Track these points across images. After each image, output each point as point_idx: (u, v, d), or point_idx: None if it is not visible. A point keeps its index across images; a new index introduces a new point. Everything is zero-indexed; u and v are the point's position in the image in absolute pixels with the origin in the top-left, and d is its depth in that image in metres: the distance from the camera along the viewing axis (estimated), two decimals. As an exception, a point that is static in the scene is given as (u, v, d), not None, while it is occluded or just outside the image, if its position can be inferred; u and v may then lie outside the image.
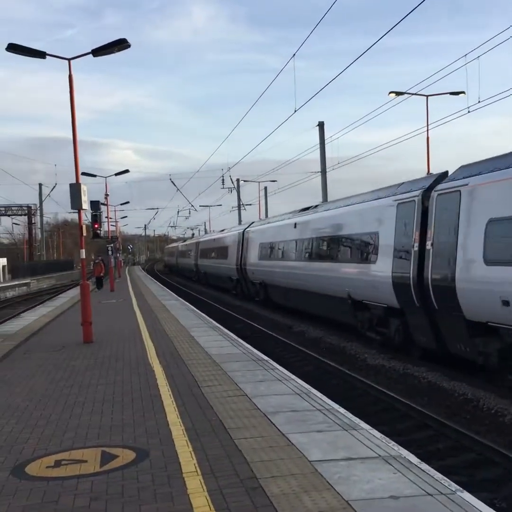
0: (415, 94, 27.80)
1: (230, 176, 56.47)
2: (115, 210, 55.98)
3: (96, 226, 30.00)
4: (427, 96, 29.16)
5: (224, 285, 40.13)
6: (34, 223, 76.03)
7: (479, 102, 23.03)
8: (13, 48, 14.13)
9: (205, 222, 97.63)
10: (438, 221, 12.86)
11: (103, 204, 40.17)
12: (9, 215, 76.04)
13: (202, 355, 12.21)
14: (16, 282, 53.34)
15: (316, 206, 23.13)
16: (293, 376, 9.83)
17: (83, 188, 15.00)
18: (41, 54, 14.56)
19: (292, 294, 24.06)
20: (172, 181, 60.12)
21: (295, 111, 26.01)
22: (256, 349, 12.88)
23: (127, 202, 53.83)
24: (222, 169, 56.27)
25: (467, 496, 4.86)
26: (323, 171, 32.73)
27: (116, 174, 38.30)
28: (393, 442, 6.32)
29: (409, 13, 14.03)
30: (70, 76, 14.82)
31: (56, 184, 68.90)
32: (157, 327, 17.36)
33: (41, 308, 28.00)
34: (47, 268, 70.09)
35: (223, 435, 6.67)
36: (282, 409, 7.66)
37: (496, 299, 10.80)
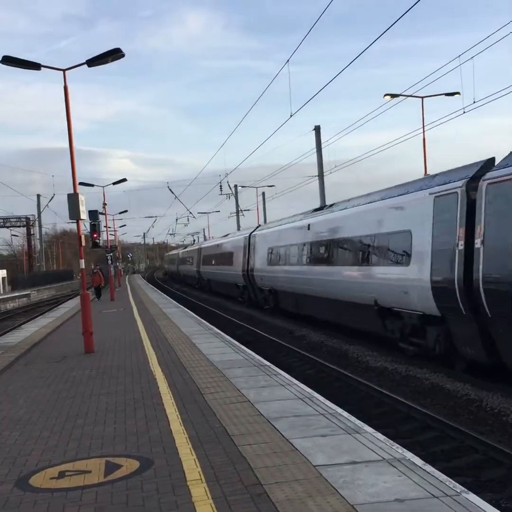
0: (410, 96, 27.87)
1: (227, 182, 56.54)
2: (113, 219, 56.07)
3: (95, 235, 30.00)
4: (422, 97, 29.22)
5: (230, 292, 38.43)
6: (33, 234, 76.20)
7: (474, 102, 23.05)
8: (7, 60, 14.14)
9: (203, 229, 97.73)
10: (491, 215, 11.16)
11: (102, 213, 40.23)
12: (7, 227, 76.27)
13: (204, 362, 12.20)
14: (17, 294, 53.37)
15: (331, 205, 21.45)
16: (296, 381, 9.82)
17: (81, 198, 15.02)
18: (36, 66, 14.60)
19: (307, 301, 22.47)
20: (170, 189, 60.19)
21: (291, 115, 26.14)
22: (258, 355, 12.87)
23: (126, 211, 53.80)
24: (220, 176, 56.36)
25: (472, 497, 4.85)
26: (320, 175, 32.79)
27: (114, 183, 38.35)
28: (397, 445, 6.32)
29: (400, 17, 14.08)
30: (65, 87, 14.84)
31: (54, 194, 68.79)
32: (158, 335, 17.34)
33: (42, 319, 27.98)
34: (47, 279, 70.10)
35: (226, 442, 6.66)
36: (285, 414, 7.65)
37: None
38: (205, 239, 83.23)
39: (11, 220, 74.68)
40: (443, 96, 29.29)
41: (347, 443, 6.34)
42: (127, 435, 7.26)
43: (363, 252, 16.78)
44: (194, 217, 77.56)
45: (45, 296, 58.97)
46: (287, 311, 25.81)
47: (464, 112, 23.31)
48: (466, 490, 5.01)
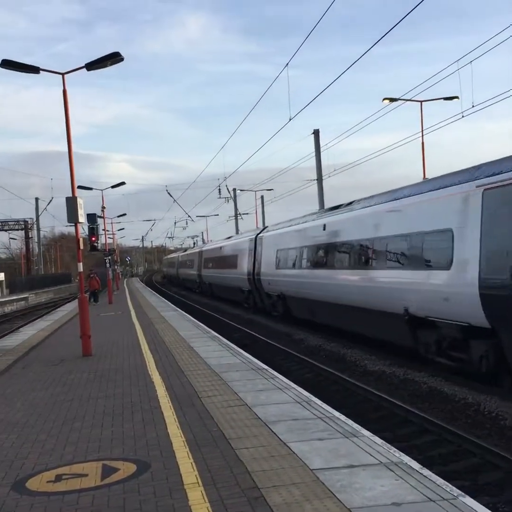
0: (409, 100, 27.93)
1: (226, 185, 56.53)
2: (112, 223, 55.98)
3: (93, 239, 29.95)
4: (421, 101, 29.29)
5: (233, 297, 36.53)
6: (31, 237, 76.14)
7: (472, 106, 23.10)
8: (7, 64, 14.17)
9: (202, 232, 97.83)
10: None
11: (100, 216, 40.22)
12: (6, 230, 76.27)
13: (202, 365, 12.19)
14: (15, 297, 53.29)
15: (349, 203, 19.25)
16: (294, 385, 9.81)
17: (79, 201, 15.02)
18: (35, 69, 14.60)
19: (322, 308, 20.55)
20: (168, 192, 60.25)
21: (290, 119, 26.21)
22: (255, 358, 12.87)
23: (124, 214, 53.91)
24: (219, 179, 56.58)
25: (469, 501, 4.85)
26: (319, 179, 32.82)
27: (112, 187, 38.40)
28: (395, 448, 6.32)
29: (400, 21, 14.11)
30: (64, 91, 14.86)
31: (52, 198, 68.84)
32: (156, 338, 17.33)
33: (40, 322, 27.96)
34: (45, 282, 70.02)
35: (224, 446, 6.65)
36: (282, 418, 7.65)
37: None
38: (203, 242, 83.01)
39: (10, 223, 74.67)
40: (442, 100, 29.39)
41: (345, 447, 6.34)
42: (124, 439, 7.25)
43: (390, 254, 15.16)
44: (192, 220, 77.72)
45: (43, 299, 58.90)
46: (298, 319, 24.16)
47: (462, 116, 23.39)
48: (463, 494, 5.02)
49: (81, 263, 15.81)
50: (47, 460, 6.66)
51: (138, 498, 5.31)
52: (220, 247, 42.21)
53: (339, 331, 19.86)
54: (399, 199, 15.01)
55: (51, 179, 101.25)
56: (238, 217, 59.13)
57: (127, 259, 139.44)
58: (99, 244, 34.49)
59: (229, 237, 43.61)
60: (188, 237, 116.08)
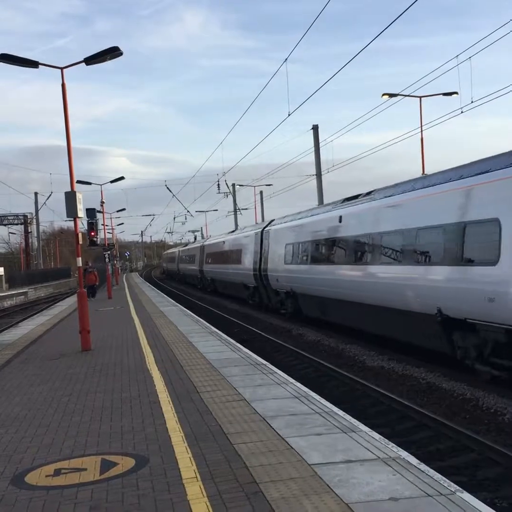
0: (408, 95, 27.90)
1: (225, 181, 56.51)
2: (111, 217, 55.95)
3: (92, 233, 30.01)
4: (420, 97, 29.25)
5: (237, 293, 35.09)
6: (31, 232, 76.17)
7: (472, 102, 23.09)
8: (5, 58, 14.14)
9: (201, 227, 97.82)
10: None
11: (99, 211, 40.18)
12: (5, 225, 76.26)
13: (201, 360, 12.20)
14: (14, 292, 53.29)
15: (369, 193, 17.50)
16: (292, 380, 9.83)
17: (79, 196, 15.01)
18: (33, 64, 14.57)
19: (338, 307, 19.07)
20: (167, 187, 60.15)
21: (289, 114, 26.21)
22: (254, 354, 12.88)
23: (123, 209, 54.03)
24: (218, 174, 56.34)
25: (467, 496, 4.86)
26: (319, 174, 32.81)
27: (112, 181, 38.34)
28: (393, 444, 6.33)
29: (398, 17, 14.07)
30: (63, 85, 14.84)
31: (51, 192, 68.80)
32: (155, 333, 17.34)
33: (39, 317, 27.97)
34: (44, 277, 70.02)
35: (222, 440, 6.67)
36: (281, 413, 7.66)
37: None
38: (202, 237, 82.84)
39: (9, 217, 74.65)
40: (441, 96, 29.36)
41: (343, 442, 6.35)
42: (123, 433, 7.26)
43: (420, 248, 13.63)
44: (191, 215, 77.88)
45: (42, 294, 58.94)
46: (310, 318, 22.69)
47: (461, 112, 23.36)
48: (461, 489, 5.03)
49: (80, 258, 15.81)
50: (46, 454, 6.68)
51: (136, 493, 5.32)
52: (223, 242, 40.40)
53: (340, 327, 19.87)
54: (429, 186, 13.54)
55: (50, 174, 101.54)
56: (237, 212, 59.10)
57: (126, 254, 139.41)
58: (98, 239, 34.58)
59: (232, 231, 41.89)
60: (189, 231, 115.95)
